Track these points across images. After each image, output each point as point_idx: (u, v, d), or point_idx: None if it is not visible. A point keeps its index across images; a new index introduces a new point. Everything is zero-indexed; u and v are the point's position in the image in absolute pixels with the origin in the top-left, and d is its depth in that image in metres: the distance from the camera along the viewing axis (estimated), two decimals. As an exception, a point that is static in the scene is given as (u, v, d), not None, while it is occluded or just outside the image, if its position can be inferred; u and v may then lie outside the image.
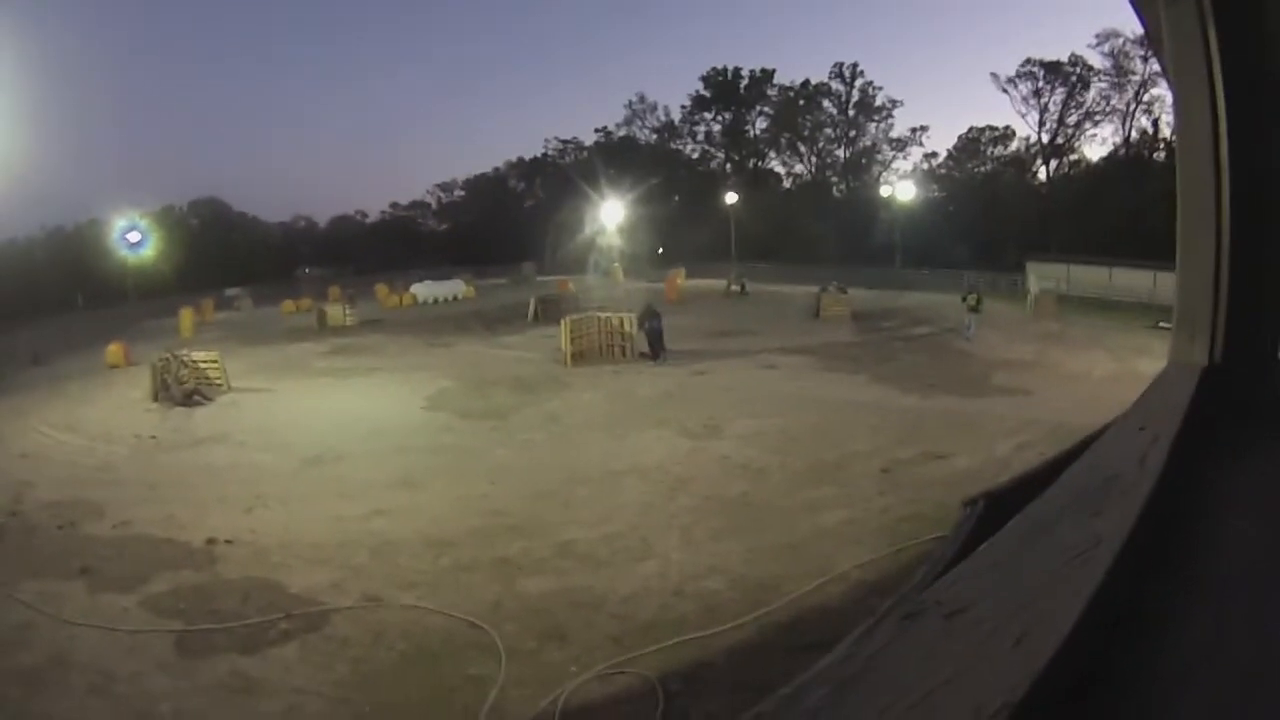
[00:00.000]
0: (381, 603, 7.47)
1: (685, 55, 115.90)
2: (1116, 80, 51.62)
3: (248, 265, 61.45)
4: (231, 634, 6.95)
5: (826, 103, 63.99)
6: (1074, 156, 56.77)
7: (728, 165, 68.33)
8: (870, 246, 53.63)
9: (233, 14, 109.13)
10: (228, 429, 14.78)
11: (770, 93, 66.20)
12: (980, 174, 60.02)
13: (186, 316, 32.76)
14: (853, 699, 0.71)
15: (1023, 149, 58.29)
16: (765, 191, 63.23)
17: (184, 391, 17.29)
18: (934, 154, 62.29)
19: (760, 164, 68.18)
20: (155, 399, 17.42)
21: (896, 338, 24.36)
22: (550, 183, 70.96)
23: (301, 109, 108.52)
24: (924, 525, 8.55)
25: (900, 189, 52.27)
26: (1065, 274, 36.00)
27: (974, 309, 23.41)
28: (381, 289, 43.14)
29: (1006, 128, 58.32)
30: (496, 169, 77.86)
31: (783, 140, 66.64)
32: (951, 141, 61.99)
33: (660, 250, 58.34)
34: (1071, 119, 54.87)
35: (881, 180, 60.92)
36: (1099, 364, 18.60)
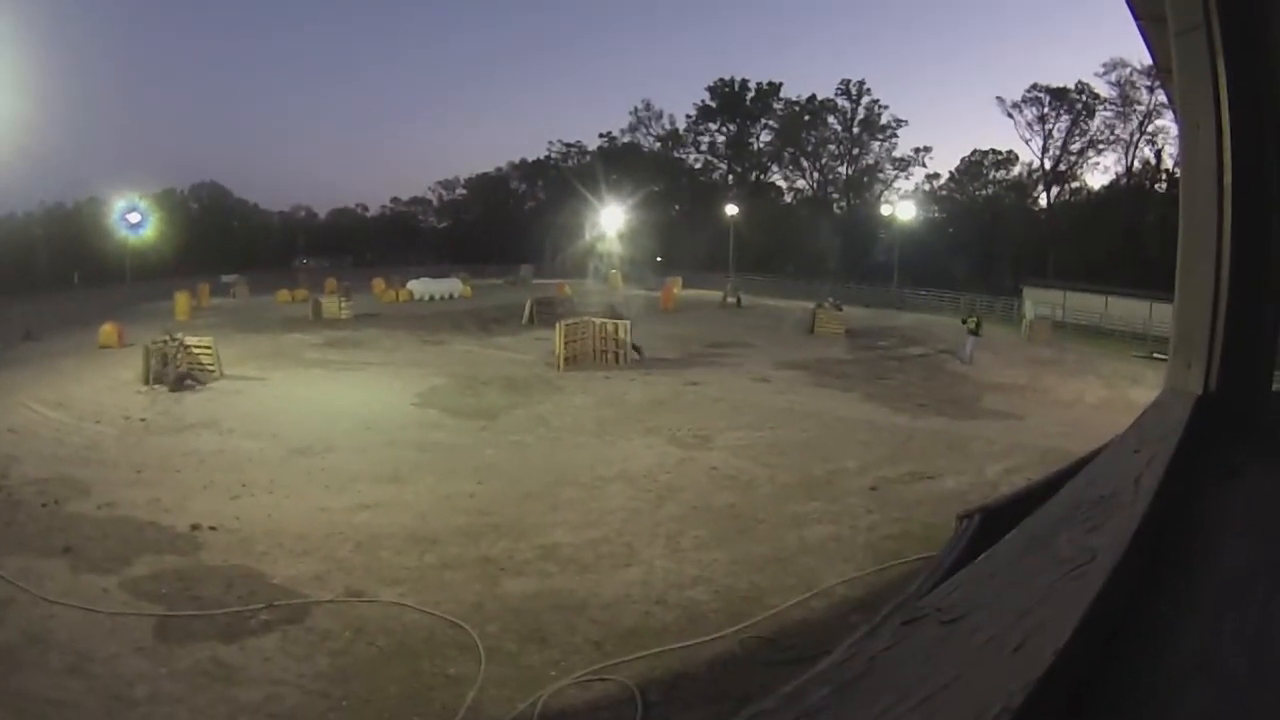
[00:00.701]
0: (364, 597, 7.43)
1: (693, 62, 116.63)
2: (1121, 109, 52.26)
3: (245, 252, 61.48)
4: (212, 621, 6.90)
5: (831, 119, 64.61)
6: (1076, 184, 57.36)
7: (730, 177, 68.72)
8: (868, 264, 54.05)
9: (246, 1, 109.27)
10: (217, 415, 14.69)
11: (776, 106, 66.67)
12: (981, 197, 60.45)
13: (182, 300, 32.52)
14: (853, 699, 0.71)
15: (1025, 174, 58.90)
16: (766, 205, 63.54)
17: (177, 375, 17.22)
18: (936, 175, 63.00)
19: (762, 177, 68.61)
20: (147, 381, 17.31)
21: (890, 357, 24.46)
22: (552, 185, 71.10)
23: (306, 99, 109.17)
24: (910, 544, 8.59)
25: (901, 209, 52.63)
26: (1062, 300, 36.29)
27: (974, 331, 23.55)
28: (378, 283, 42.98)
29: (1010, 152, 59.00)
30: (499, 169, 78.20)
31: (786, 154, 67.11)
32: (954, 163, 62.68)
33: (659, 259, 58.43)
34: (1075, 146, 55.54)
35: (883, 199, 61.46)
36: (1091, 390, 18.75)
